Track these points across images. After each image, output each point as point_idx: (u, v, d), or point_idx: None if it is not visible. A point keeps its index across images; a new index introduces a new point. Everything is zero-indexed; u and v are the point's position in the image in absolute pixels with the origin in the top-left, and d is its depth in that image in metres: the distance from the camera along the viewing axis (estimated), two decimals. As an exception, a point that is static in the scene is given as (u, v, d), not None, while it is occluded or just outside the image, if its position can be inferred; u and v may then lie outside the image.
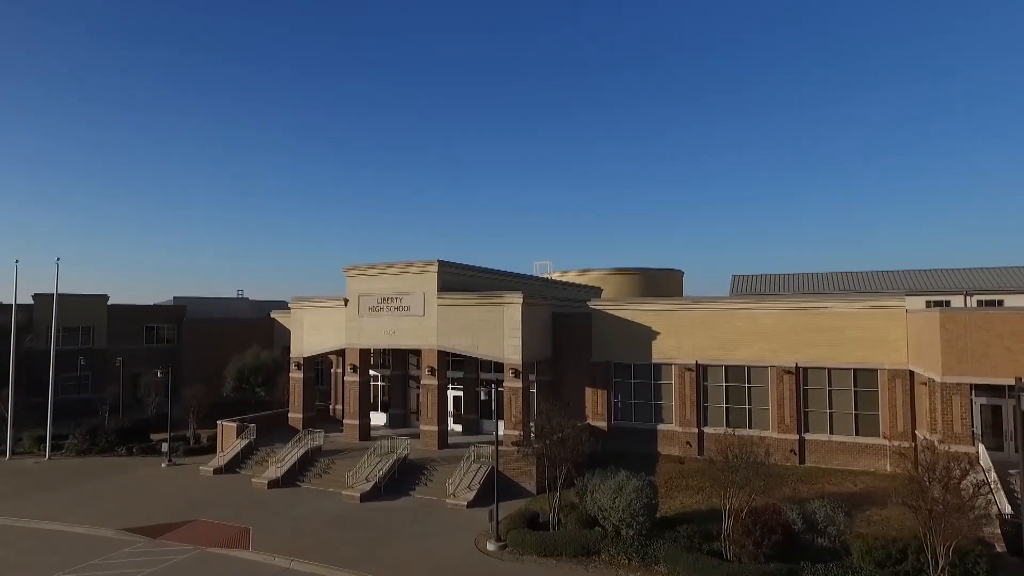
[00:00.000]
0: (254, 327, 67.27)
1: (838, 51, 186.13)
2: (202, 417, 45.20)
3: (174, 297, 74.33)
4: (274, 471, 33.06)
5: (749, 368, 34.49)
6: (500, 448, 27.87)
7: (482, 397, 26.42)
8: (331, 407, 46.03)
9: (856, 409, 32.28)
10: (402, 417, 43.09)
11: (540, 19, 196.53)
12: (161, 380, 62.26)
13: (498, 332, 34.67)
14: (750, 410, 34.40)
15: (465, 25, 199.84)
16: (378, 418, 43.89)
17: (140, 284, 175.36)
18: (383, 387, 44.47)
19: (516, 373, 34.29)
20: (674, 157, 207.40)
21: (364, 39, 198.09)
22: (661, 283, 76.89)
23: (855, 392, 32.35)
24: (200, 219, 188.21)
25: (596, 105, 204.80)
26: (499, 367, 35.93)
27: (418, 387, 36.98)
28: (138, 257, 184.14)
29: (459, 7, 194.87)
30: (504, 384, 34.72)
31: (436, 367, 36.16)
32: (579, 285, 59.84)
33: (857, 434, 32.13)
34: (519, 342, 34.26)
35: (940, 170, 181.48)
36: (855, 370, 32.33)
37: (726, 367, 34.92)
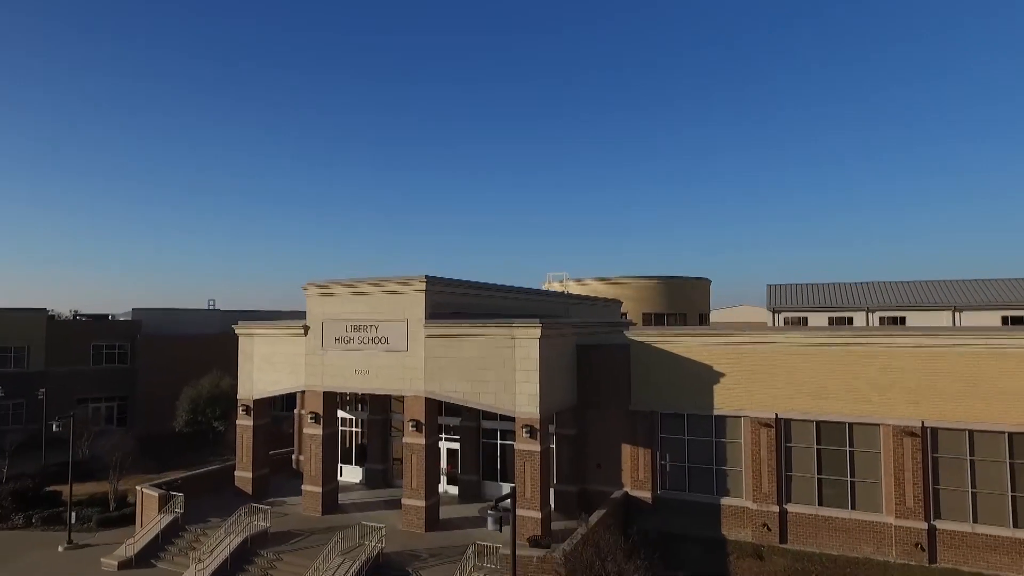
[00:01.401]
0: (224, 344, 58.04)
1: (837, 51, 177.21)
2: (129, 466, 35.85)
3: (133, 309, 64.99)
4: (194, 572, 23.71)
5: (850, 425, 25.19)
6: (513, 542, 18.52)
7: (490, 525, 17.13)
8: (294, 457, 36.66)
9: (1014, 490, 22.95)
10: (382, 474, 33.72)
11: (539, 20, 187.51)
12: (95, 415, 53.63)
13: (508, 375, 25.39)
14: (853, 483, 25.07)
15: (468, 26, 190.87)
16: (352, 473, 34.58)
17: (122, 293, 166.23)
18: (358, 433, 35.15)
19: (531, 431, 24.98)
20: (672, 158, 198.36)
21: (362, 38, 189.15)
22: (687, 293, 67.53)
23: (1011, 465, 23.03)
24: (183, 222, 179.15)
25: (595, 106, 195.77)
26: (507, 415, 26.72)
27: (403, 435, 27.75)
28: (122, 264, 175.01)
29: (463, 7, 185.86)
30: (516, 446, 25.48)
31: (424, 420, 26.88)
32: (599, 299, 50.47)
33: (1016, 525, 22.80)
34: (536, 388, 24.98)
35: (937, 171, 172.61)
36: (1010, 434, 23.01)
37: (818, 423, 25.62)
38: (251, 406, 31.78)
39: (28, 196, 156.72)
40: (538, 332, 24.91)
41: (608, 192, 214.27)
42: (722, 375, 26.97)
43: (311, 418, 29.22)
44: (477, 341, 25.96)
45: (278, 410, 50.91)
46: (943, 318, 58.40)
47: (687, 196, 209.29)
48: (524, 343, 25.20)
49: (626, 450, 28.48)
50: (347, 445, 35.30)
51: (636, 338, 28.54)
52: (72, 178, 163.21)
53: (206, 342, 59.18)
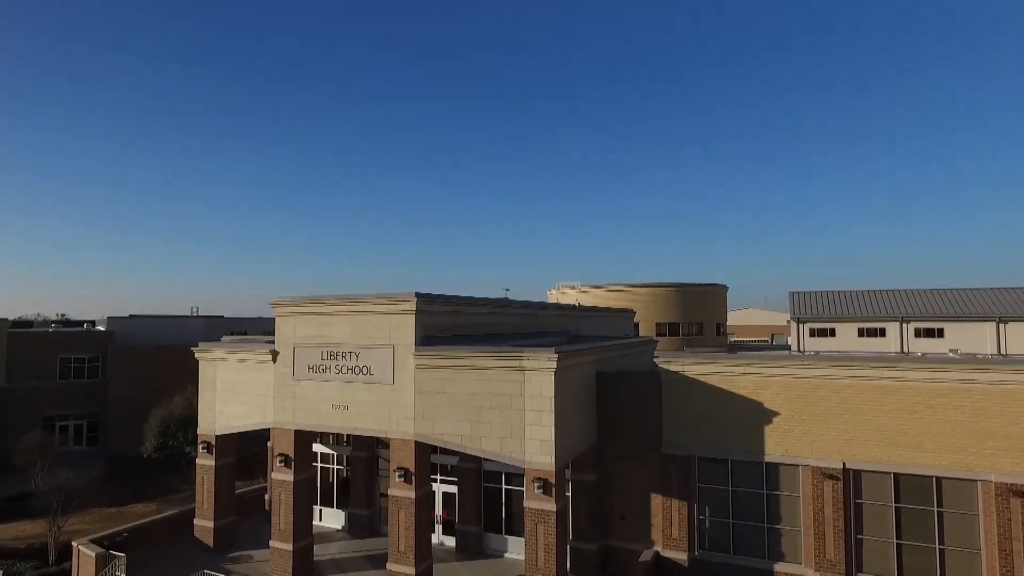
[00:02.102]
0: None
1: (835, 52, 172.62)
2: (89, 498, 31.31)
3: (107, 318, 60.34)
4: (124, 668, 19.05)
5: (939, 480, 20.45)
6: None
7: None
8: (267, 498, 31.92)
9: None
10: (367, 519, 28.99)
11: (546, 36, 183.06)
12: (62, 435, 49.14)
13: (515, 416, 20.67)
14: (943, 551, 20.33)
15: (474, 43, 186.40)
16: (332, 518, 29.90)
17: (122, 295, 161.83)
18: (339, 471, 30.46)
19: (545, 486, 20.25)
20: (672, 149, 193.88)
21: (365, 49, 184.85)
22: (703, 301, 62.81)
23: None
24: (191, 229, 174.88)
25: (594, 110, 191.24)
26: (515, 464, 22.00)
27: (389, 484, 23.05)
28: (121, 266, 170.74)
29: (462, 20, 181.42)
30: (526, 503, 20.76)
31: (413, 469, 22.16)
32: (611, 310, 45.75)
33: None
34: (550, 433, 20.26)
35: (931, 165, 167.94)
36: None
37: (897, 476, 20.88)
38: (212, 443, 27.07)
39: (27, 196, 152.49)
40: (553, 364, 20.19)
41: (599, 189, 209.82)
42: (776, 413, 22.23)
43: (280, 461, 24.50)
44: (478, 373, 21.24)
45: (258, 430, 46.51)
46: (985, 330, 53.65)
47: (681, 194, 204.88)
48: (536, 377, 20.48)
49: (656, 501, 23.75)
50: (329, 480, 30.65)
51: (670, 367, 23.77)
52: (72, 178, 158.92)
53: (187, 353, 54.50)
